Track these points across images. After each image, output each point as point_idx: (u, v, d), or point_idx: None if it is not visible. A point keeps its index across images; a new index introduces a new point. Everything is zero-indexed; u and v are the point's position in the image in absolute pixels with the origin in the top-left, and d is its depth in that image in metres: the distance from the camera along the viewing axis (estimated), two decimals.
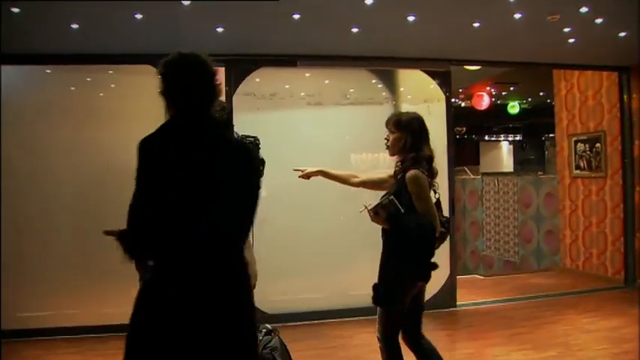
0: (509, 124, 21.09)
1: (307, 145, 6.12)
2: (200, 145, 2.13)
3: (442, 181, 6.55)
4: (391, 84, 6.70)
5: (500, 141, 22.68)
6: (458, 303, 6.61)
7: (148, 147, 2.09)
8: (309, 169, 3.54)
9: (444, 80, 6.61)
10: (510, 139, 22.63)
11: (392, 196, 3.08)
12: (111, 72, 6.00)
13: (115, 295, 4.76)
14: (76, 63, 5.74)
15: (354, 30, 5.29)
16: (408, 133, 3.21)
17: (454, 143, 6.76)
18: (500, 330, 5.65)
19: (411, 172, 3.11)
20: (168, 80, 2.18)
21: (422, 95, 6.66)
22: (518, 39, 5.86)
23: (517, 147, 22.53)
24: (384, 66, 6.53)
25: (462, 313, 6.44)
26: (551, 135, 20.37)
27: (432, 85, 6.62)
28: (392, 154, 3.30)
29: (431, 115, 6.53)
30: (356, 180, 3.60)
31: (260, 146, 3.39)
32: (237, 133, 3.31)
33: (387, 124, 3.30)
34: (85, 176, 5.75)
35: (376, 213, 3.07)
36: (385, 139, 3.30)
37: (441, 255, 6.36)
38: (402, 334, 3.33)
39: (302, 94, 6.42)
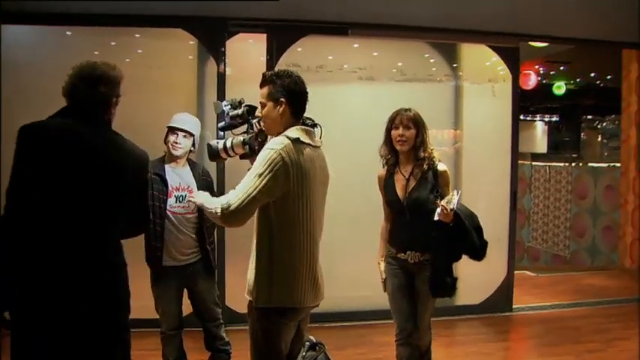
0: (547, 104, 20.21)
1: (357, 124, 5.44)
2: (81, 139, 2.33)
3: (504, 171, 5.99)
4: (452, 60, 5.92)
5: (535, 121, 21.74)
6: (514, 306, 5.96)
7: (29, 133, 2.29)
8: None
9: (512, 58, 5.85)
10: (546, 119, 21.68)
11: (459, 190, 3.13)
12: (138, 35, 5.34)
13: None
14: (99, 24, 5.08)
15: None
16: (420, 129, 3.26)
17: (517, 130, 6.01)
18: (567, 345, 5.01)
19: (443, 166, 3.27)
20: (68, 81, 2.42)
21: (486, 74, 5.93)
22: (604, 10, 5.14)
23: (552, 128, 21.61)
24: (446, 39, 5.75)
25: (520, 320, 5.80)
26: (589, 117, 19.64)
27: (498, 63, 5.88)
28: (406, 150, 3.26)
29: (495, 97, 5.88)
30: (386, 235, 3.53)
31: (317, 126, 2.68)
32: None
33: (402, 120, 3.25)
34: None
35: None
36: (400, 135, 3.23)
37: (500, 252, 5.82)
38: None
39: (345, 66, 5.68)
